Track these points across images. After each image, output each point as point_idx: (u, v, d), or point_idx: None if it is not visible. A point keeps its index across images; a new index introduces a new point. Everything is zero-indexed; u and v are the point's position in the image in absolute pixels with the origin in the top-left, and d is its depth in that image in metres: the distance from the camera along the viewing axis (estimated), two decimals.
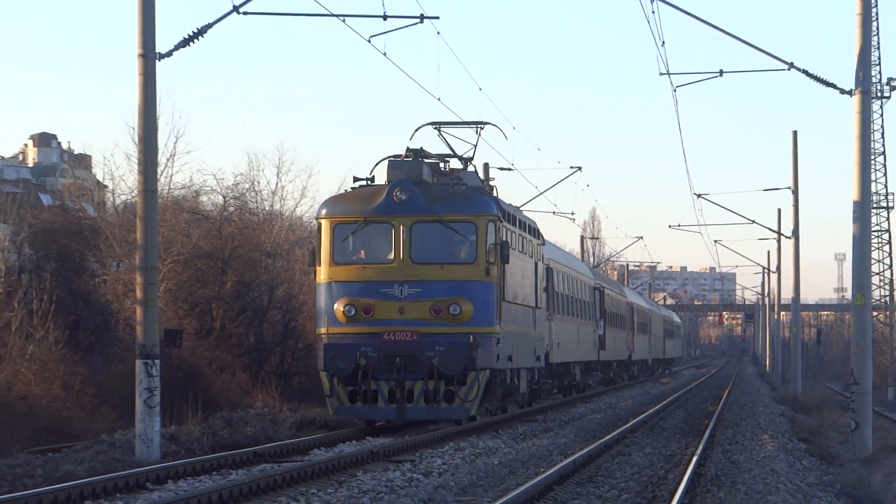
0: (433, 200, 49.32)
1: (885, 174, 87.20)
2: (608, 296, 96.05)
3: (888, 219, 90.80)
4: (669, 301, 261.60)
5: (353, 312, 47.58)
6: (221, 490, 28.03)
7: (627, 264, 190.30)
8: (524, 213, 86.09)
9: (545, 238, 72.43)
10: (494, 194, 57.11)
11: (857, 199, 41.83)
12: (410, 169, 50.69)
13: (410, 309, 47.92)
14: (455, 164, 57.65)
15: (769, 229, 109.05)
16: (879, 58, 72.59)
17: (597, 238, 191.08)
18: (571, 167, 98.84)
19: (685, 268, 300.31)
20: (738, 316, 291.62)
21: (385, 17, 41.33)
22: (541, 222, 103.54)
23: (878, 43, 72.89)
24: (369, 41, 44.25)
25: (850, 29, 40.63)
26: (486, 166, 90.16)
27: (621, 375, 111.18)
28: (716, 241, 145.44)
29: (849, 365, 54.39)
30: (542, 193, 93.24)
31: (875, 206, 78.87)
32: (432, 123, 58.14)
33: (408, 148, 53.04)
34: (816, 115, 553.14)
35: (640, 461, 37.38)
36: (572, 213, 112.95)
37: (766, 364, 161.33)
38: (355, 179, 51.69)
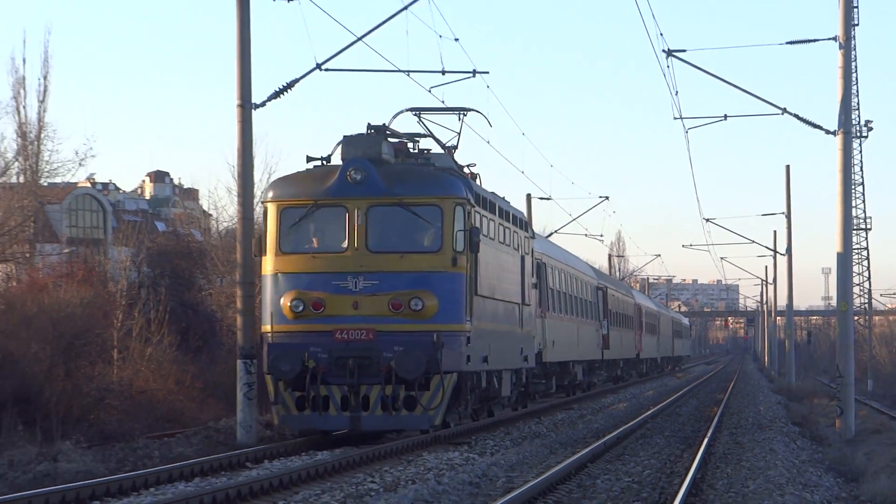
0: (393, 181, 38.63)
1: (864, 201, 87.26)
2: (612, 296, 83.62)
3: (866, 238, 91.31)
4: (683, 308, 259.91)
5: (300, 308, 37.81)
6: (309, 468, 27.97)
7: (648, 278, 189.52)
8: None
9: (537, 233, 64.22)
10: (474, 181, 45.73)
11: (841, 223, 41.78)
12: (368, 146, 39.40)
13: (366, 304, 37.85)
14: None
15: (766, 248, 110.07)
16: (858, 103, 72.32)
17: (622, 256, 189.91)
18: (600, 197, 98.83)
19: (696, 280, 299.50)
20: (741, 320, 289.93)
21: (443, 72, 41.32)
22: (574, 243, 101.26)
23: (858, 90, 72.71)
24: (430, 91, 44.30)
25: (833, 80, 40.15)
26: (528, 197, 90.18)
27: (629, 373, 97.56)
28: (722, 258, 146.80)
29: (835, 361, 54.06)
30: (575, 219, 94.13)
31: (855, 228, 78.73)
32: (411, 109, 46.83)
33: (369, 124, 41.24)
34: (806, 151, 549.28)
35: (660, 442, 37.47)
36: (601, 235, 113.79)
37: (765, 361, 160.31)
38: (308, 159, 40.49)
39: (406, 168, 40.20)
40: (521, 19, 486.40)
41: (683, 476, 26.34)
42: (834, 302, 44.37)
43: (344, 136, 38.89)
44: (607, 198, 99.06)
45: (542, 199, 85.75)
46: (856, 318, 54.26)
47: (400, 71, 39.63)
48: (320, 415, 36.02)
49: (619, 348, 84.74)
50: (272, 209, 38.22)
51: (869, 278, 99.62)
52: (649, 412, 51.61)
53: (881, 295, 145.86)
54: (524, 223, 50.92)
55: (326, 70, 38.49)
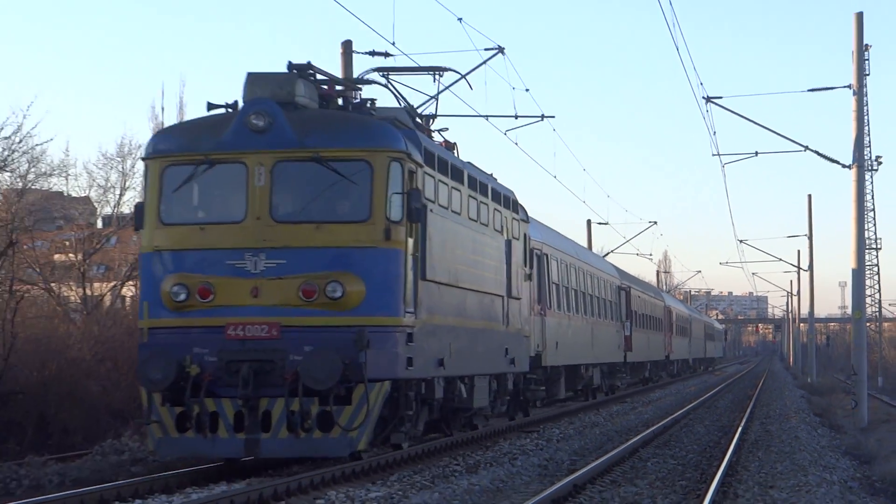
0: (306, 129, 26.45)
1: (875, 224, 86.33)
2: (637, 297, 71.16)
3: (877, 256, 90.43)
4: (720, 316, 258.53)
5: (183, 296, 25.52)
6: (408, 451, 26.14)
7: (690, 291, 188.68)
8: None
9: (534, 217, 46.50)
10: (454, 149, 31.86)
11: (855, 243, 41.43)
12: (278, 85, 27.37)
13: (269, 290, 25.22)
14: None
15: (791, 265, 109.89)
16: (870, 140, 71.46)
17: (668, 272, 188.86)
18: (649, 222, 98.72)
19: (731, 293, 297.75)
20: (770, 327, 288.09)
21: (516, 117, 41.12)
22: (627, 262, 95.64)
23: (869, 129, 71.86)
24: (505, 134, 43.98)
25: (848, 121, 39.91)
26: (588, 222, 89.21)
27: (658, 374, 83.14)
28: (753, 273, 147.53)
29: (850, 361, 53.86)
30: (628, 241, 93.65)
31: (868, 247, 77.90)
32: (378, 69, 35.01)
33: (289, 62, 29.08)
34: (825, 181, 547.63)
35: (701, 430, 37.16)
36: (650, 254, 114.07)
37: (790, 361, 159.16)
38: (210, 106, 28.09)
39: (326, 114, 27.64)
40: (584, 71, 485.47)
41: (721, 459, 26.16)
42: (849, 311, 43.98)
43: (248, 74, 27.06)
44: (655, 222, 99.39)
45: (600, 223, 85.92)
46: (868, 324, 53.72)
47: (480, 116, 39.49)
48: (206, 438, 23.97)
49: (645, 350, 71.78)
50: (153, 168, 26.31)
51: (879, 290, 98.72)
52: (691, 405, 51.28)
53: (889, 304, 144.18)
54: (512, 203, 36.15)
55: (421, 115, 38.33)
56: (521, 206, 36.60)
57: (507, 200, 33.79)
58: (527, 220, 38.23)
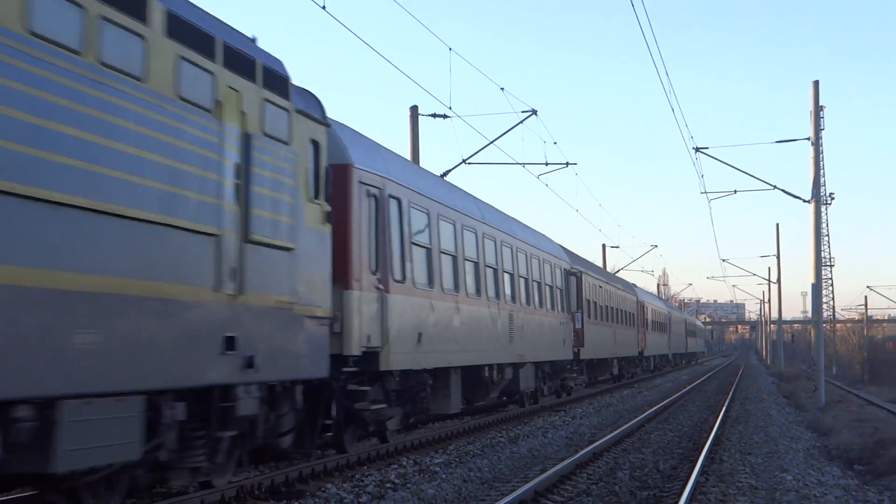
0: None
1: (829, 247, 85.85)
2: (595, 286, 50.85)
3: (831, 272, 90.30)
4: (707, 319, 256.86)
5: None
6: (475, 420, 27.17)
7: (683, 299, 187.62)
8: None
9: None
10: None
11: (813, 262, 41.19)
12: None
13: None
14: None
15: (763, 278, 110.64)
16: (825, 180, 70.95)
17: (666, 285, 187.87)
18: (651, 245, 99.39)
19: (716, 300, 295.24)
20: (747, 327, 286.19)
21: (546, 164, 40.77)
22: (634, 278, 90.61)
23: (824, 170, 71.52)
24: (538, 178, 43.34)
25: (808, 164, 39.75)
26: (603, 246, 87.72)
27: (631, 371, 65.64)
28: (733, 286, 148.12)
29: (810, 354, 53.56)
30: (634, 260, 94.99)
31: (824, 265, 77.61)
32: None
33: None
34: (790, 212, 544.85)
35: (693, 410, 36.96)
36: (652, 271, 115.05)
37: (764, 354, 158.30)
38: None
39: None
40: (600, 127, 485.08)
41: (709, 432, 26.00)
42: (810, 314, 43.55)
43: None
44: (656, 245, 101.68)
45: (612, 247, 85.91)
46: (824, 325, 53.16)
47: (517, 163, 39.25)
48: None
49: (608, 346, 52.91)
50: None
51: (833, 299, 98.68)
52: (685, 389, 50.95)
53: (842, 310, 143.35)
54: (264, 71, 14.83)
55: (469, 163, 38.07)
56: (307, 94, 17.56)
57: (243, 62, 14.27)
58: (322, 119, 17.47)
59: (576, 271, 42.62)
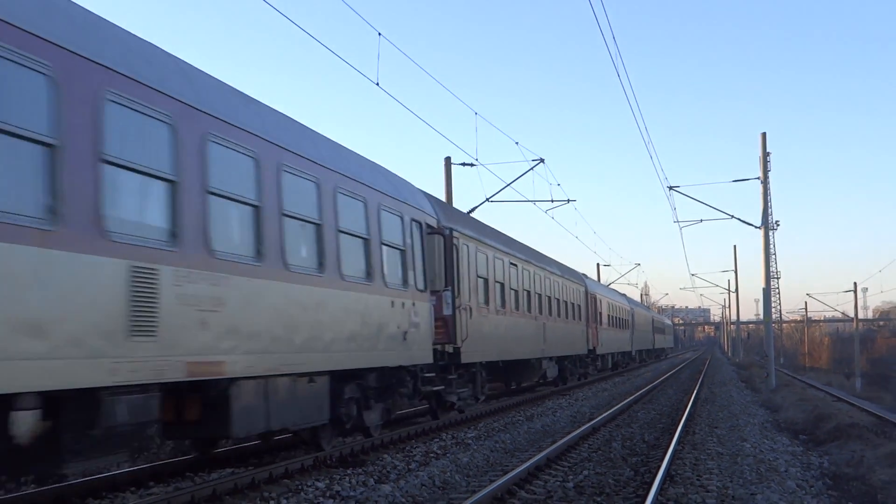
0: None
1: (776, 262, 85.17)
2: (491, 259, 25.76)
3: (778, 283, 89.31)
4: (680, 321, 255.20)
5: None
6: (497, 407, 27.70)
7: (662, 306, 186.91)
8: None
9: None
10: None
11: (764, 275, 40.85)
12: None
13: None
14: None
15: (724, 288, 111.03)
16: (772, 210, 70.71)
17: (647, 295, 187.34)
18: (636, 263, 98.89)
19: (688, 306, 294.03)
20: (712, 327, 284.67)
21: (552, 201, 40.34)
22: (621, 289, 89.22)
23: (771, 202, 71.23)
24: (546, 212, 42.15)
25: (758, 199, 39.77)
26: (597, 266, 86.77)
27: (578, 372, 44.79)
28: (701, 294, 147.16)
29: (762, 347, 53.19)
30: (623, 276, 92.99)
31: (772, 277, 77.39)
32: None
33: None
34: (746, 236, 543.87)
35: (671, 393, 36.69)
36: (636, 284, 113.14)
37: (726, 348, 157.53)
38: None
39: None
40: (593, 170, 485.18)
41: (684, 411, 25.87)
42: (762, 316, 43.36)
43: None
44: (639, 264, 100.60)
45: (605, 265, 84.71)
46: (773, 325, 52.79)
47: (529, 200, 39.21)
48: None
49: (521, 343, 30.66)
50: None
51: (780, 304, 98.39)
52: (664, 377, 50.59)
53: (787, 312, 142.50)
54: None
55: (491, 201, 37.72)
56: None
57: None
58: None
59: (444, 230, 21.18)
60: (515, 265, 29.10)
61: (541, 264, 33.48)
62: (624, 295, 62.76)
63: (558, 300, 36.42)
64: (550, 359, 34.55)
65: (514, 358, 28.61)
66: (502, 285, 26.94)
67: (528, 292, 30.57)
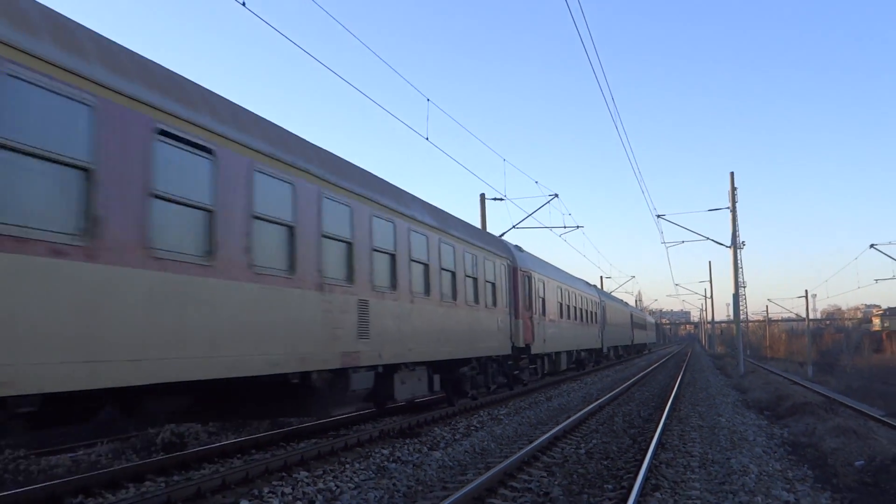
0: None
1: (743, 274, 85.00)
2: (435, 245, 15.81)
3: (745, 290, 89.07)
4: (667, 321, 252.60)
5: None
6: (520, 392, 26.73)
7: (652, 310, 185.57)
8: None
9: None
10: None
11: (734, 285, 40.53)
12: None
13: None
14: None
15: (702, 295, 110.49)
16: (739, 233, 70.45)
17: (640, 300, 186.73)
18: (631, 275, 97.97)
19: (672, 309, 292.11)
20: (692, 325, 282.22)
21: (564, 227, 40.02)
22: (620, 295, 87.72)
23: (738, 227, 70.95)
24: (560, 236, 41.24)
25: (728, 224, 39.57)
26: (601, 278, 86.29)
27: (492, 383, 21.51)
28: (683, 300, 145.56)
29: (733, 341, 52.62)
30: (620, 286, 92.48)
31: (740, 286, 76.93)
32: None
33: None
34: (719, 254, 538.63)
35: (659, 379, 36.25)
36: (632, 293, 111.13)
37: (703, 343, 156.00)
38: None
39: None
40: (595, 201, 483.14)
41: (671, 392, 25.55)
42: (732, 317, 43.07)
43: None
44: (634, 276, 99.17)
45: (606, 277, 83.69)
46: (741, 324, 52.09)
47: (546, 227, 39.11)
48: None
49: (402, 337, 13.95)
50: None
51: (746, 307, 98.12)
52: (655, 365, 50.12)
53: (752, 314, 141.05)
54: None
55: (516, 228, 37.34)
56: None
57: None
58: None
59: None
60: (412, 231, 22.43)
61: (452, 231, 18.03)
62: (595, 287, 44.95)
63: (469, 279, 19.05)
64: (431, 364, 16.98)
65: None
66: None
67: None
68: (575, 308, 34.34)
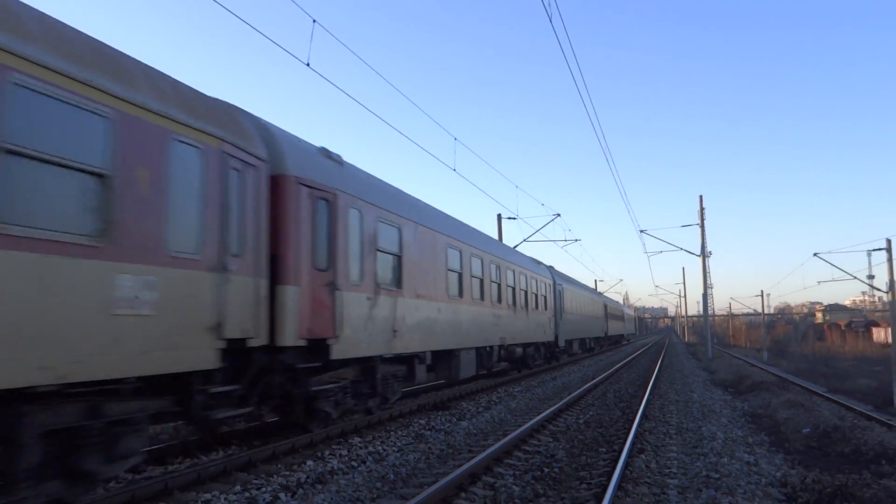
0: None
1: (710, 276, 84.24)
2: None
3: (711, 290, 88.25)
4: (649, 316, 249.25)
5: None
6: (520, 376, 26.22)
7: (636, 306, 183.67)
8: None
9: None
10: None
11: (704, 284, 40.11)
12: None
13: None
14: None
15: (677, 294, 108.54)
16: (707, 243, 70.04)
17: (627, 299, 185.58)
18: (619, 279, 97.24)
19: (653, 306, 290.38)
20: (670, 319, 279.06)
21: (565, 240, 39.74)
22: (609, 294, 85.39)
23: (705, 239, 70.52)
24: (562, 248, 40.60)
25: (698, 236, 39.29)
26: (595, 281, 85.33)
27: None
28: (662, 298, 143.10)
29: (703, 332, 51.97)
30: (611, 287, 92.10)
31: (708, 287, 76.24)
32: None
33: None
34: (690, 262, 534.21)
35: (642, 364, 35.89)
36: (619, 292, 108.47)
37: (680, 334, 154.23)
38: None
39: None
40: (587, 218, 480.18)
41: (652, 373, 25.34)
42: (702, 312, 42.60)
43: None
44: (622, 279, 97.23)
45: (599, 281, 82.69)
46: (710, 317, 51.82)
47: (550, 240, 38.98)
48: None
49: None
50: None
51: (713, 304, 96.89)
52: (640, 351, 49.67)
53: (718, 309, 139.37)
54: None
55: (527, 241, 37.28)
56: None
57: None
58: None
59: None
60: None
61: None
62: (551, 268, 29.92)
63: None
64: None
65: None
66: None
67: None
68: (503, 287, 19.63)
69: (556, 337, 28.04)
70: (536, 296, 24.26)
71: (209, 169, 7.40)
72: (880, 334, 71.27)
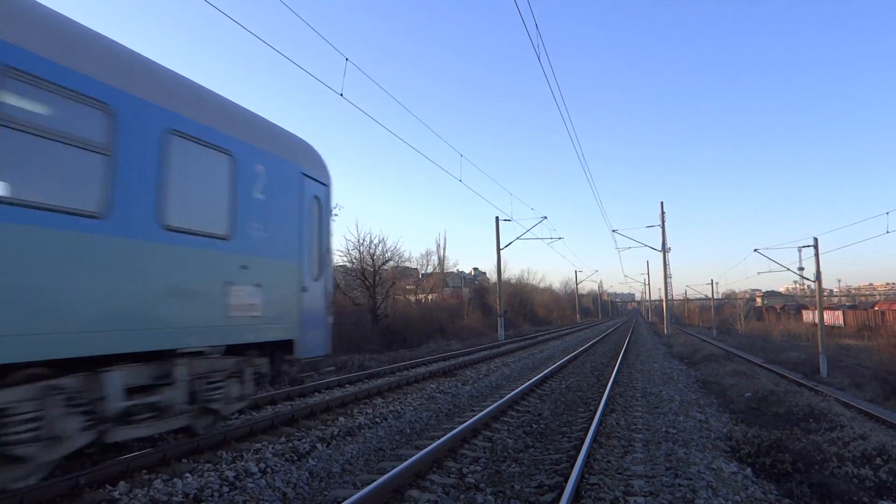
0: None
1: (669, 268, 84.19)
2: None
3: (670, 280, 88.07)
4: (619, 300, 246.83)
5: None
6: (516, 347, 25.96)
7: (609, 293, 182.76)
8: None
9: None
10: None
11: (664, 275, 39.87)
12: None
13: None
14: None
15: (643, 283, 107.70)
16: (667, 240, 69.84)
17: (602, 288, 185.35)
18: (595, 270, 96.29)
19: (622, 292, 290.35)
20: (636, 303, 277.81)
21: (552, 239, 39.37)
22: (589, 286, 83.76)
23: (665, 236, 70.51)
24: (548, 245, 40.29)
25: (659, 235, 39.05)
26: (575, 273, 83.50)
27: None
28: (630, 286, 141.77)
29: (663, 314, 51.75)
30: (588, 277, 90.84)
31: (668, 277, 75.94)
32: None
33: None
34: (654, 257, 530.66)
35: (615, 338, 35.72)
36: (595, 282, 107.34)
37: (645, 315, 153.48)
38: None
39: None
40: (570, 215, 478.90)
41: (621, 349, 25.22)
42: (663, 297, 42.41)
43: None
44: (598, 270, 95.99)
45: (579, 271, 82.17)
46: (670, 301, 51.68)
47: (539, 238, 38.64)
48: None
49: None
50: None
51: (672, 290, 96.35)
52: (610, 330, 49.40)
53: (677, 295, 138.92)
54: None
55: (520, 239, 36.74)
56: None
57: None
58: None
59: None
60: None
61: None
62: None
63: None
64: None
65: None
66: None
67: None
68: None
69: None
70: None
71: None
72: (809, 316, 70.89)
